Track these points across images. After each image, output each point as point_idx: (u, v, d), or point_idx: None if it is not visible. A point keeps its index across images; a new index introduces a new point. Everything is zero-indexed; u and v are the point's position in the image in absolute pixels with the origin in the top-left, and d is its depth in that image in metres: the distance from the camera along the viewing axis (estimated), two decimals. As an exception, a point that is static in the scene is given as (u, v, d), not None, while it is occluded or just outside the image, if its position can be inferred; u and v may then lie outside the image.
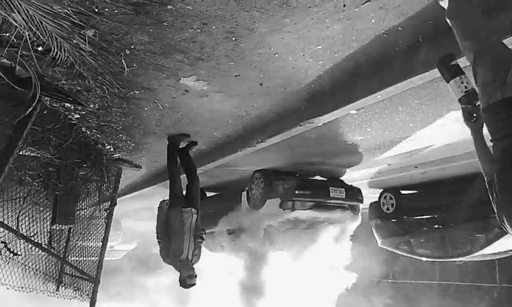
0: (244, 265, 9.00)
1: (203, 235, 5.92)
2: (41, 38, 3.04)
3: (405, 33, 3.37)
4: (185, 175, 6.16)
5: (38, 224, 5.55)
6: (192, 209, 5.80)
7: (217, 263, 9.56)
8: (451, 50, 3.39)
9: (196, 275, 5.60)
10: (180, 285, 5.66)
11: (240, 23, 3.19)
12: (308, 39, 3.44)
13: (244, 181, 8.53)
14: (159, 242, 5.87)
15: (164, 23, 3.15)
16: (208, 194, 10.38)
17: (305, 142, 5.92)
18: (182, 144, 6.05)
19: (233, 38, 3.38)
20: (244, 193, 8.68)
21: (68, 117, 5.00)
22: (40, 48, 3.34)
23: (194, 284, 5.66)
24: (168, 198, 5.91)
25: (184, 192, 5.99)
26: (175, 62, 3.75)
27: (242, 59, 3.71)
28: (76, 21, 2.97)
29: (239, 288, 9.39)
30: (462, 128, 5.57)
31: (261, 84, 4.22)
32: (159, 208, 6.03)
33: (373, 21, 3.22)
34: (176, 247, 5.57)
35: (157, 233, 5.93)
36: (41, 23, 2.87)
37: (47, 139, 5.02)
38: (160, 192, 9.04)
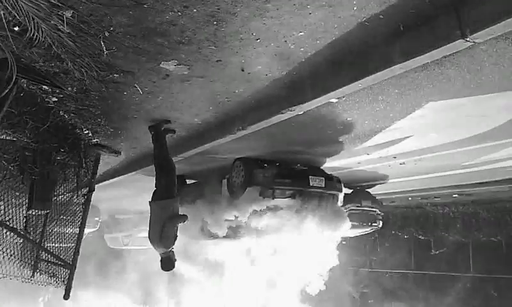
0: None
1: (184, 220, 6.12)
2: (18, 17, 2.96)
3: (386, 21, 3.39)
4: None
5: (13, 209, 5.47)
6: (177, 197, 6.03)
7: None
8: (431, 39, 3.44)
9: (176, 260, 5.79)
10: (162, 268, 5.99)
11: (221, 7, 3.16)
12: (290, 25, 3.43)
13: (224, 169, 8.50)
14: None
15: (145, 6, 3.10)
16: (189, 181, 10.33)
17: (286, 130, 5.93)
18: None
19: (215, 22, 3.34)
20: (225, 181, 8.65)
21: (46, 100, 4.90)
22: (16, 29, 3.25)
23: (173, 268, 6.01)
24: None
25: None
26: (155, 46, 3.70)
27: (223, 43, 3.68)
28: (54, 1, 2.91)
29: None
30: (441, 119, 5.69)
31: (242, 70, 4.20)
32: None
33: (355, 8, 3.22)
34: (167, 236, 5.80)
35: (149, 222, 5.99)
36: (17, 2, 2.79)
37: (24, 122, 4.91)
38: (139, 180, 9.02)
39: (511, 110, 5.29)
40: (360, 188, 10.74)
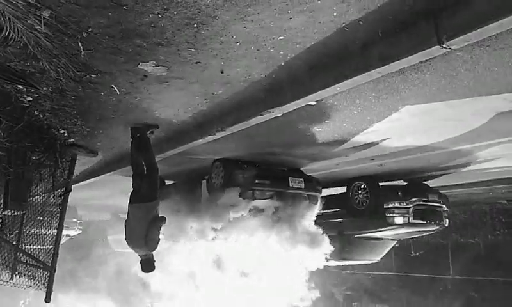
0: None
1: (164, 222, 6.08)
2: (-8, 16, 2.90)
3: (365, 27, 3.43)
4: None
5: (-13, 209, 5.36)
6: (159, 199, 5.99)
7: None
8: (408, 45, 3.49)
9: (154, 261, 5.75)
10: (142, 270, 5.95)
11: (202, 10, 3.15)
12: (271, 29, 3.44)
13: (204, 170, 8.47)
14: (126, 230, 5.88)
15: (124, 7, 3.07)
16: (168, 182, 10.26)
17: (265, 132, 5.94)
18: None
19: (195, 25, 3.33)
20: (204, 182, 8.62)
21: (20, 99, 4.80)
22: (-10, 27, 3.18)
23: (153, 270, 5.95)
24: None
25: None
26: (133, 47, 3.66)
27: (203, 46, 3.66)
28: (31, 1, 2.85)
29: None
30: (417, 122, 5.77)
31: (222, 72, 4.19)
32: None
33: (335, 14, 3.25)
34: (153, 238, 5.75)
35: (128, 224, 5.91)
36: (-8, 0, 2.73)
37: (-3, 122, 4.82)
38: (116, 180, 8.91)
39: (485, 115, 5.42)
40: (417, 180, 9.65)
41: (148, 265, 5.90)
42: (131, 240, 5.85)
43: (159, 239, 5.86)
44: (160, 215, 5.98)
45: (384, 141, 6.61)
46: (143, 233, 5.69)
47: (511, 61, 3.90)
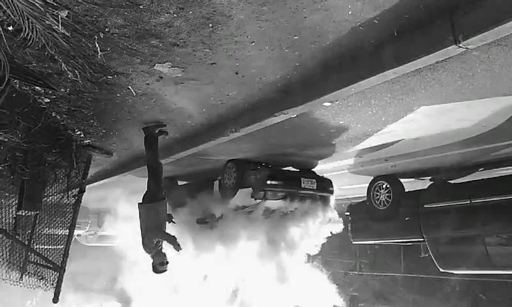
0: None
1: (172, 220, 6.25)
2: (12, 17, 2.94)
3: (380, 26, 3.41)
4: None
5: (3, 209, 5.42)
6: (164, 200, 5.99)
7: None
8: (424, 45, 3.47)
9: (167, 262, 5.74)
10: (153, 271, 5.85)
11: (217, 10, 3.16)
12: (286, 29, 3.44)
13: (216, 171, 8.50)
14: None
15: (140, 7, 3.09)
16: (180, 182, 10.32)
17: (279, 133, 5.94)
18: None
19: (210, 25, 3.34)
20: (216, 182, 8.66)
21: (38, 101, 4.86)
22: (10, 28, 3.22)
23: (165, 270, 5.86)
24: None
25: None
26: (149, 48, 3.69)
27: (218, 46, 3.68)
28: (49, 1, 2.89)
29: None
30: (432, 123, 5.73)
31: (236, 73, 4.20)
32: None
33: (350, 13, 3.24)
34: (150, 245, 5.75)
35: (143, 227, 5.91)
36: (12, 1, 2.77)
37: (15, 123, 4.87)
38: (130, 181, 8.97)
39: (502, 115, 5.36)
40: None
41: (155, 266, 5.82)
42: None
43: (158, 242, 5.78)
44: (167, 213, 6.04)
45: (399, 141, 6.57)
46: (143, 234, 5.75)
47: (529, 60, 3.86)
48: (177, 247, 5.65)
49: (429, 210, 8.16)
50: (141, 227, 5.85)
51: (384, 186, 8.94)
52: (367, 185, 9.37)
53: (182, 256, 6.15)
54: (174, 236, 5.76)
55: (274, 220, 8.12)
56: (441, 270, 8.34)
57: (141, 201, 5.94)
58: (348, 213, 10.15)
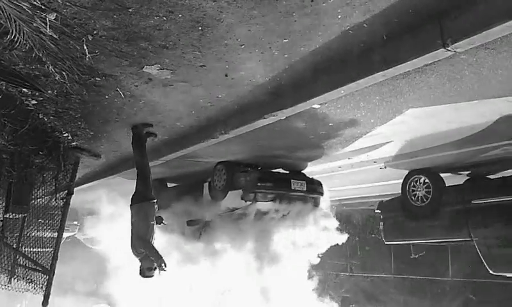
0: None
1: (163, 222, 6.16)
2: (-2, 19, 2.90)
3: (370, 30, 3.42)
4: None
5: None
6: (155, 200, 5.91)
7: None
8: (413, 48, 3.49)
9: (155, 268, 5.62)
10: (140, 275, 5.74)
11: (207, 13, 3.15)
12: (275, 32, 3.44)
13: (206, 173, 8.48)
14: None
15: (129, 10, 3.07)
16: (169, 184, 10.27)
17: (268, 135, 5.94)
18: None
19: (200, 28, 3.33)
20: (206, 184, 8.63)
21: (25, 102, 4.81)
22: (-4, 30, 3.18)
23: (152, 276, 5.73)
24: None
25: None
26: (138, 50, 3.67)
27: (208, 49, 3.66)
28: (37, 3, 2.86)
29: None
30: (421, 125, 5.77)
31: (226, 75, 4.19)
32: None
33: (339, 17, 3.25)
34: (148, 239, 5.66)
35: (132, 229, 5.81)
36: (-2, 3, 2.74)
37: (2, 125, 4.83)
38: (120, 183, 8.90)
39: (490, 117, 5.41)
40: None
41: (142, 270, 5.70)
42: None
43: (145, 243, 5.64)
44: (158, 216, 5.97)
45: (388, 143, 6.60)
46: (132, 236, 5.66)
47: (516, 63, 3.90)
48: (162, 267, 5.54)
49: (479, 207, 7.38)
50: (131, 228, 5.80)
51: (422, 181, 8.12)
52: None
53: (171, 262, 6.08)
54: (160, 255, 5.62)
55: (264, 225, 8.10)
56: (491, 272, 7.49)
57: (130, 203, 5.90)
58: (379, 211, 9.47)
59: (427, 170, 8.02)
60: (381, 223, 9.31)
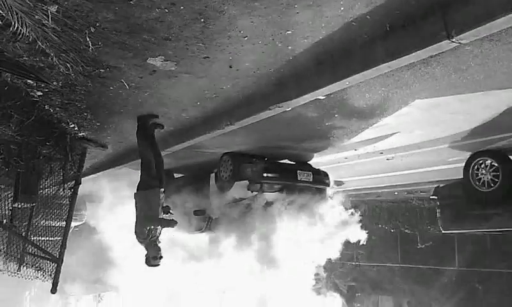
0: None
1: (170, 212, 6.11)
2: (0, 11, 2.91)
3: (373, 21, 3.40)
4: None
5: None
6: (162, 189, 5.89)
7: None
8: (417, 40, 3.45)
9: (161, 257, 5.67)
10: (145, 263, 5.77)
11: (209, 5, 3.14)
12: (278, 24, 3.42)
13: (212, 164, 8.50)
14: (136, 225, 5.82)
15: (131, 2, 3.07)
16: (176, 175, 10.31)
17: (274, 126, 5.94)
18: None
19: (202, 20, 3.32)
20: (213, 175, 8.66)
21: (31, 94, 4.85)
22: (-1, 22, 3.20)
23: (158, 265, 5.78)
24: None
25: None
26: (141, 42, 3.67)
27: (211, 41, 3.66)
28: (38, -5, 2.87)
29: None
30: (427, 116, 5.73)
31: (230, 67, 4.18)
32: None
33: (342, 8, 3.23)
34: (152, 227, 5.66)
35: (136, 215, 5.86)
36: (0, -4, 2.75)
37: (8, 116, 4.87)
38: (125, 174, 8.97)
39: (495, 109, 5.36)
40: None
41: (148, 258, 5.73)
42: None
43: (150, 231, 5.67)
44: (165, 205, 5.97)
45: (394, 134, 6.57)
46: (135, 222, 5.70)
47: (521, 55, 3.85)
48: (173, 223, 5.69)
49: None
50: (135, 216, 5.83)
51: (488, 163, 7.16)
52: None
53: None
54: (167, 219, 5.71)
55: (271, 215, 8.11)
56: None
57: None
58: (435, 197, 8.76)
59: (495, 151, 7.08)
60: (438, 210, 8.59)
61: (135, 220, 5.76)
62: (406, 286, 15.28)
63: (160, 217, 5.81)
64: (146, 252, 5.79)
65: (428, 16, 3.26)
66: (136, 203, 5.87)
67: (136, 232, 5.74)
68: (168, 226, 5.81)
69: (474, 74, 4.28)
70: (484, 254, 13.48)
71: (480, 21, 3.05)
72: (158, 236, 5.80)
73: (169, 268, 5.94)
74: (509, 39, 3.55)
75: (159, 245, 5.82)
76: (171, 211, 6.31)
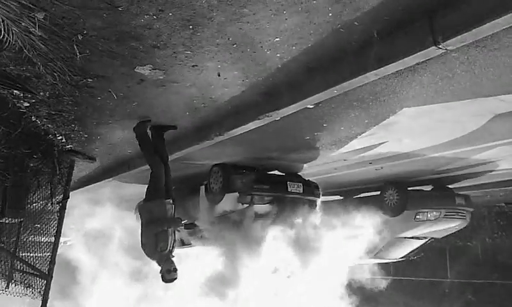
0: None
1: (181, 223, 5.91)
2: (-14, 19, 2.89)
3: (361, 28, 3.42)
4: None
5: (-16, 217, 5.34)
6: (171, 200, 5.69)
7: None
8: (404, 46, 3.48)
9: (176, 269, 5.38)
10: (162, 280, 5.45)
11: (197, 11, 3.14)
12: (267, 30, 3.43)
13: (202, 175, 8.46)
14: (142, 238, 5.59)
15: (119, 9, 3.06)
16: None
17: (264, 136, 5.93)
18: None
19: (191, 27, 3.32)
20: (203, 187, 8.62)
21: (17, 105, 4.79)
22: (-16, 31, 3.17)
23: (175, 279, 5.44)
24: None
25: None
26: (129, 50, 3.65)
27: (199, 48, 3.65)
28: (25, 2, 2.84)
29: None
30: (415, 125, 5.76)
31: (219, 75, 4.18)
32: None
33: (330, 15, 3.24)
34: (163, 241, 5.37)
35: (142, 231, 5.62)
36: (-14, 3, 2.73)
37: (-6, 128, 4.81)
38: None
39: (483, 116, 5.41)
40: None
41: (163, 274, 5.38)
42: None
43: (159, 244, 5.34)
44: (176, 217, 5.72)
45: (382, 144, 6.60)
46: (140, 234, 5.52)
47: (507, 61, 3.89)
48: (179, 222, 5.57)
49: None
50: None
51: None
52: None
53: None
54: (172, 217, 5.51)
55: (261, 228, 8.06)
56: None
57: None
58: None
59: None
60: None
61: (140, 232, 5.52)
62: (400, 298, 15.23)
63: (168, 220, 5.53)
64: (160, 268, 5.42)
65: (415, 22, 3.29)
66: (140, 216, 5.69)
67: (142, 244, 5.47)
68: (175, 226, 5.56)
69: (461, 81, 4.32)
70: (476, 265, 13.55)
71: (467, 27, 3.07)
72: (170, 249, 5.45)
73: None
74: (494, 46, 3.60)
75: (172, 258, 5.45)
76: (182, 223, 6.06)
